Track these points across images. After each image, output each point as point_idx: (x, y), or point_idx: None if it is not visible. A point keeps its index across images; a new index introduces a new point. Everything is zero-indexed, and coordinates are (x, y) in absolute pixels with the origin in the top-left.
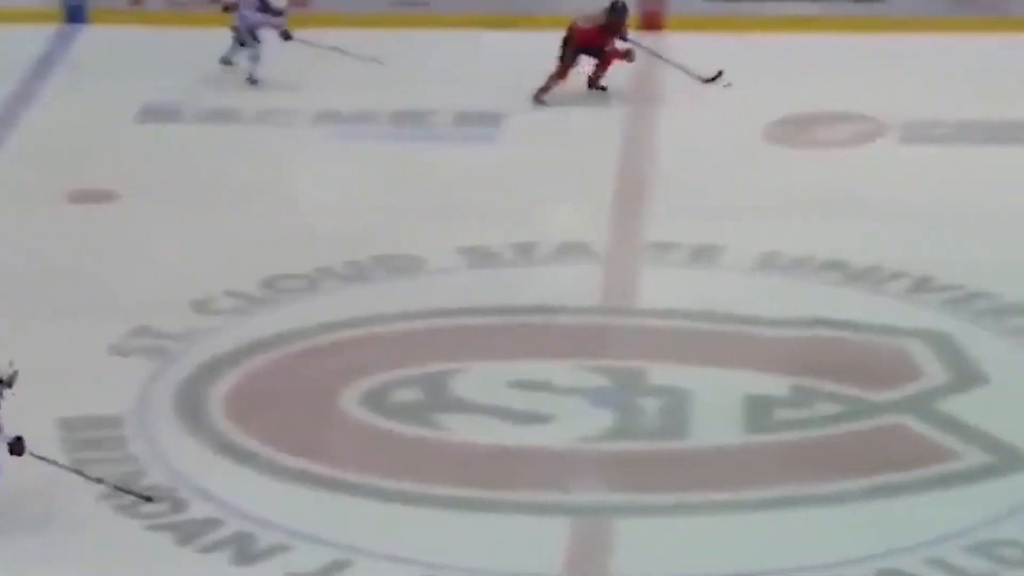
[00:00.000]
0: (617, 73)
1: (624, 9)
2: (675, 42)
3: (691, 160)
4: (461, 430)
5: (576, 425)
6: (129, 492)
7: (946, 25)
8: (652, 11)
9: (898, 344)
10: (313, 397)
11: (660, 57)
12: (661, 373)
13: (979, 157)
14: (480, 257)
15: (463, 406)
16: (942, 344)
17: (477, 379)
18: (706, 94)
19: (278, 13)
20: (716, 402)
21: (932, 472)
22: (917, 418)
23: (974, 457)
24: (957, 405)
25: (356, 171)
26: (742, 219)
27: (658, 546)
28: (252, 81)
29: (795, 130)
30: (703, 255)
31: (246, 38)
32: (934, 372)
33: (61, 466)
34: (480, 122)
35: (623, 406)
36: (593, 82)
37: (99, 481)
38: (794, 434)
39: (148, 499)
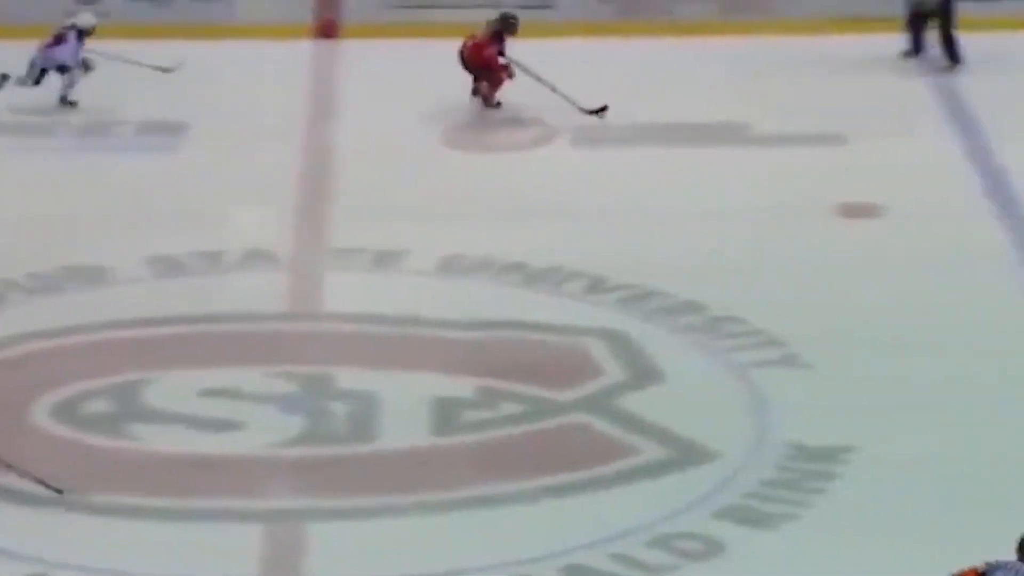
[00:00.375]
0: (299, 78)
1: (515, 20)
2: (352, 49)
3: (372, 165)
4: (153, 440)
5: (267, 432)
6: (41, 483)
7: (613, 30)
8: (328, 19)
9: (577, 343)
10: (2, 410)
11: (541, 81)
12: (348, 377)
13: (649, 159)
14: (167, 267)
15: (155, 416)
16: (619, 342)
17: (168, 388)
18: (384, 99)
19: (91, 32)
20: (403, 405)
21: (613, 469)
22: (598, 416)
23: (653, 453)
24: (635, 402)
25: (40, 183)
26: (424, 223)
27: (351, 549)
28: (70, 103)
29: (472, 134)
30: (386, 259)
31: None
32: (612, 370)
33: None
34: (163, 131)
35: (312, 411)
36: (487, 100)
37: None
38: (480, 435)
39: (58, 491)
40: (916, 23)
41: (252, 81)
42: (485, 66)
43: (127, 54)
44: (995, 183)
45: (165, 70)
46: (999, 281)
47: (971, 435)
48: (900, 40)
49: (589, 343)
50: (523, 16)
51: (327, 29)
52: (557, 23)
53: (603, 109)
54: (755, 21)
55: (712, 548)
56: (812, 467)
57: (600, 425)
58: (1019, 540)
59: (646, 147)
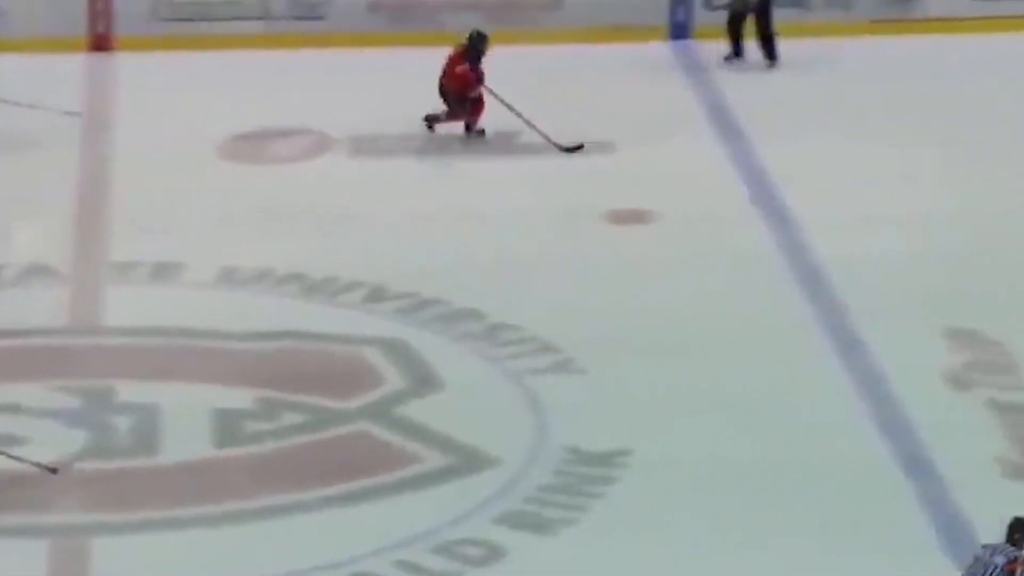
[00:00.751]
0: (73, 91)
1: (486, 36)
2: (126, 62)
3: (148, 178)
4: None
5: (50, 446)
6: (36, 465)
7: (385, 40)
8: (100, 34)
9: (357, 353)
10: None
11: (519, 115)
12: (130, 391)
13: (423, 168)
14: None
15: None
16: (398, 351)
17: None
18: (158, 111)
19: None
20: (185, 417)
21: (396, 477)
22: (379, 424)
23: (435, 460)
24: (417, 410)
25: None
26: (201, 235)
27: (136, 562)
28: None
29: (247, 146)
30: (164, 272)
31: None
32: (392, 379)
33: None
34: None
35: (95, 425)
36: (469, 127)
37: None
38: (263, 446)
39: (53, 471)
40: (735, 26)
41: (26, 95)
42: (462, 84)
43: None
44: (761, 188)
45: (72, 114)
46: (768, 284)
47: (746, 436)
48: (663, 48)
49: (369, 352)
50: (294, 27)
51: (100, 42)
52: (328, 33)
53: (579, 147)
54: (521, 31)
55: (494, 554)
56: (590, 471)
57: (382, 433)
58: (1008, 524)
59: (421, 156)
